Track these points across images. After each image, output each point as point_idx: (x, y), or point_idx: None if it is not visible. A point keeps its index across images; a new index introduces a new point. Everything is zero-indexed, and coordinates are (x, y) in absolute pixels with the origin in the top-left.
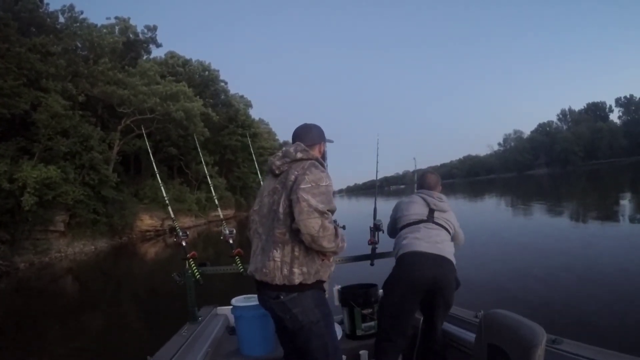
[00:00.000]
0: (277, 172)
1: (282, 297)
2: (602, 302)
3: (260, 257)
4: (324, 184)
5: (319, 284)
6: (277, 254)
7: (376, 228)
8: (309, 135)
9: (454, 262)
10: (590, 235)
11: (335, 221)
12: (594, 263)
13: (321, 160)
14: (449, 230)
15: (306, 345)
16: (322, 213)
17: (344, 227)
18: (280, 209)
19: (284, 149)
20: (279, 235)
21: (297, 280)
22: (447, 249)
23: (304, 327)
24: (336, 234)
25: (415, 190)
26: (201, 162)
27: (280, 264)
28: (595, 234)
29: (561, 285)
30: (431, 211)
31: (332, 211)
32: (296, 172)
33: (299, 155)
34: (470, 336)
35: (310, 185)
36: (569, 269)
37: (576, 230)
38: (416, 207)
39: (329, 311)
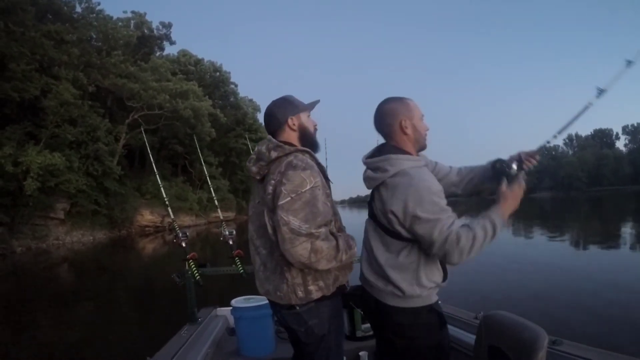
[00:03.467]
0: (258, 177)
1: (297, 307)
2: (601, 302)
3: (262, 275)
4: (306, 188)
5: (339, 290)
6: (287, 276)
7: None
8: (274, 119)
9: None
10: (589, 254)
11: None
12: (592, 271)
13: (301, 148)
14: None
15: (310, 356)
16: (309, 235)
17: None
18: (270, 230)
19: (257, 148)
20: (280, 257)
21: (315, 296)
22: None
23: (317, 339)
24: (337, 248)
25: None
26: (204, 161)
27: (294, 287)
28: (594, 254)
29: (560, 286)
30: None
31: (322, 225)
32: (273, 181)
33: (274, 154)
34: (470, 337)
35: (288, 199)
36: (568, 273)
37: (576, 251)
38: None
39: (342, 322)
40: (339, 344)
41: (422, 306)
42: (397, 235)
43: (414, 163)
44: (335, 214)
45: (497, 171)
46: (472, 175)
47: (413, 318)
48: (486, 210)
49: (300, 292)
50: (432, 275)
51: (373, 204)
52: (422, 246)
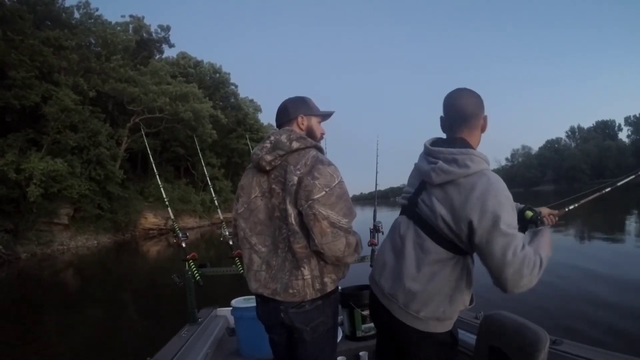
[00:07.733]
0: (267, 168)
1: (307, 306)
2: (603, 301)
3: (266, 274)
4: (336, 182)
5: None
6: (306, 272)
7: (376, 229)
8: (286, 112)
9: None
10: (592, 249)
11: None
12: (594, 267)
13: (320, 146)
14: None
15: (303, 354)
16: (347, 229)
17: None
18: (292, 220)
19: (272, 138)
20: (300, 250)
21: (329, 288)
22: None
23: (322, 337)
24: (359, 243)
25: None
26: (206, 163)
27: (312, 280)
28: (597, 248)
29: (561, 284)
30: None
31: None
32: (298, 172)
33: (295, 145)
34: (471, 337)
35: (323, 192)
36: (569, 270)
37: (578, 246)
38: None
39: (337, 321)
40: (335, 343)
41: (440, 332)
42: (450, 245)
43: (488, 166)
44: None
45: (528, 219)
46: None
47: (429, 341)
48: (533, 240)
49: (317, 284)
50: (463, 298)
51: (421, 202)
52: (488, 267)
